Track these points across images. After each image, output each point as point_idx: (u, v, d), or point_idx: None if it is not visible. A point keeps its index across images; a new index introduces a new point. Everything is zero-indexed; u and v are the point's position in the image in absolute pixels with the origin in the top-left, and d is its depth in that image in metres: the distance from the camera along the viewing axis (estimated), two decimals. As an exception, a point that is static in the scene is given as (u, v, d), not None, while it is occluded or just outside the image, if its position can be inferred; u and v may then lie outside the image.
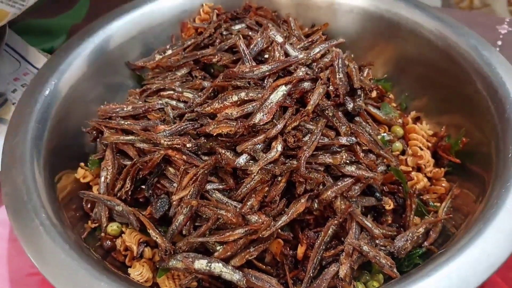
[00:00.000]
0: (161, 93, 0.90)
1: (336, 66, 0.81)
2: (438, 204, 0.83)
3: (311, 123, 0.76)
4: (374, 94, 0.91)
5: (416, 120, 0.96)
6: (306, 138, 0.74)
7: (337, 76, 0.80)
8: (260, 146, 0.73)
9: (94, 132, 0.88)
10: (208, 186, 0.75)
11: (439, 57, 0.94)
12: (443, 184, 0.85)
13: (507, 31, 1.18)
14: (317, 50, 0.85)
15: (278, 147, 0.72)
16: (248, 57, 0.86)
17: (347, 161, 0.75)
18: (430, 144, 0.90)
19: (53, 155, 0.83)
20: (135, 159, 0.79)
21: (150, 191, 0.78)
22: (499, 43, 1.16)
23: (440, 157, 0.88)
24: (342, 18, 1.05)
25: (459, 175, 0.86)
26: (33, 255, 0.67)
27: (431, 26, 0.96)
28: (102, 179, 0.81)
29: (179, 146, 0.75)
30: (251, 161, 0.73)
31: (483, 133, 0.83)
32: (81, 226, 0.82)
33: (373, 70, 0.98)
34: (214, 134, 0.76)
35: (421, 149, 0.88)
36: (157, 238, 0.73)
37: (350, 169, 0.75)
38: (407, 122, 0.92)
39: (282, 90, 0.76)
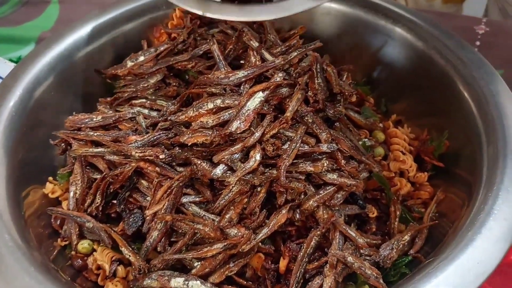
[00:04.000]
0: (133, 101, 0.86)
1: (315, 71, 0.78)
2: (423, 210, 0.81)
3: (290, 130, 0.73)
4: (353, 98, 0.88)
5: (397, 123, 0.94)
6: (286, 146, 0.72)
7: (316, 81, 0.77)
8: (237, 156, 0.70)
9: (63, 144, 0.84)
10: (184, 199, 0.72)
11: (419, 58, 0.92)
12: (427, 189, 0.83)
13: (484, 31, 1.18)
14: (294, 54, 0.82)
15: (256, 156, 0.69)
16: (223, 63, 0.83)
17: (329, 169, 0.72)
18: (412, 148, 0.88)
19: (19, 170, 0.79)
20: (105, 173, 0.75)
21: (122, 206, 0.74)
22: (477, 43, 1.15)
23: (423, 161, 0.86)
24: (319, 20, 1.02)
25: (443, 179, 0.84)
26: (-4, 279, 0.62)
27: (410, 27, 0.94)
28: (71, 194, 0.77)
29: (151, 157, 0.72)
30: (229, 172, 0.70)
31: (466, 135, 0.81)
32: (50, 245, 0.77)
33: (352, 73, 0.95)
34: (189, 144, 0.72)
35: (404, 154, 0.85)
36: (130, 256, 0.69)
37: (332, 176, 0.72)
38: (388, 126, 0.90)
39: (259, 96, 0.73)
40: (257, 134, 0.70)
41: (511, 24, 1.26)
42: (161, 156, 0.71)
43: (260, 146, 0.70)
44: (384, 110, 0.97)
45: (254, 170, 0.69)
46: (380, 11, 0.98)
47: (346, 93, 0.79)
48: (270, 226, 0.69)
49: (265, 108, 0.74)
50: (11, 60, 1.17)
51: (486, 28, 1.18)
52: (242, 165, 0.69)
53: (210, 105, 0.75)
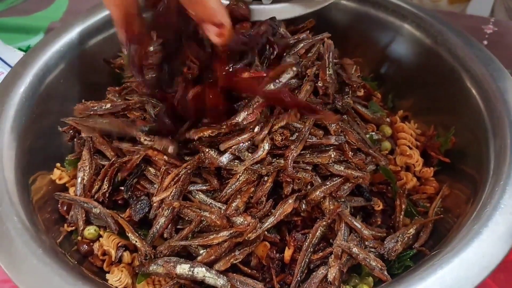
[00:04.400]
0: (142, 91, 0.86)
1: (327, 60, 0.78)
2: (428, 205, 0.81)
3: (299, 121, 0.73)
4: (361, 92, 0.88)
5: (404, 119, 0.94)
6: (294, 137, 0.72)
7: (327, 72, 0.77)
8: (245, 145, 0.70)
9: (71, 131, 0.85)
10: (191, 187, 0.72)
11: (427, 55, 0.92)
12: (433, 184, 0.83)
13: (492, 31, 1.18)
14: (301, 45, 0.81)
15: (265, 145, 0.70)
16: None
17: (336, 160, 0.72)
18: (419, 143, 0.88)
19: (27, 156, 0.79)
20: (113, 159, 0.76)
21: (129, 193, 0.74)
22: (485, 42, 1.15)
23: (429, 156, 0.86)
24: (328, 15, 1.02)
25: (449, 174, 0.84)
26: (3, 261, 0.63)
27: (418, 24, 0.94)
28: (79, 180, 0.77)
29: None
30: (236, 161, 0.70)
31: (472, 132, 0.81)
32: (56, 230, 0.78)
33: (360, 68, 0.95)
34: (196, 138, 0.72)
35: (410, 148, 0.85)
36: (136, 241, 0.69)
37: (339, 168, 0.72)
38: (396, 121, 0.90)
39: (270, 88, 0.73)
40: (265, 132, 0.70)
41: (520, 24, 1.26)
42: (169, 150, 0.72)
43: (268, 136, 0.70)
44: (391, 106, 0.97)
45: (262, 159, 0.69)
46: (389, 7, 0.97)
47: (354, 85, 0.79)
48: (276, 216, 0.69)
49: (274, 99, 0.74)
50: (20, 49, 1.18)
51: (494, 28, 1.18)
52: (250, 154, 0.70)
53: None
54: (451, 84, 0.87)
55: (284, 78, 0.74)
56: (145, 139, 0.73)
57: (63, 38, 0.94)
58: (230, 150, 0.70)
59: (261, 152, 0.69)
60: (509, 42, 1.15)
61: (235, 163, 0.70)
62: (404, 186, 0.81)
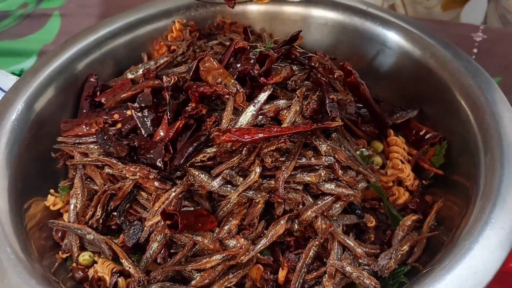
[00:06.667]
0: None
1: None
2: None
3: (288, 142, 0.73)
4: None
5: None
6: (284, 158, 0.72)
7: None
8: (234, 170, 0.71)
9: (64, 156, 0.85)
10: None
11: (416, 68, 0.92)
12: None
13: (482, 39, 1.18)
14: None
15: (256, 169, 0.70)
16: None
17: (326, 179, 0.72)
18: (410, 158, 0.88)
19: (21, 182, 0.80)
20: (106, 186, 0.76)
21: (122, 218, 0.75)
22: (475, 50, 1.16)
23: (421, 169, 0.86)
24: (316, 31, 1.03)
25: (441, 188, 0.84)
26: (-3, 293, 0.63)
27: (407, 36, 0.95)
28: (72, 207, 0.78)
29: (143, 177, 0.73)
30: (228, 185, 0.70)
31: (464, 144, 0.81)
32: (51, 256, 0.78)
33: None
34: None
35: (402, 163, 0.85)
36: (130, 268, 0.69)
37: (330, 187, 0.72)
38: (390, 134, 0.90)
39: (250, 110, 0.73)
40: (252, 157, 0.71)
41: (508, 31, 1.26)
42: (150, 177, 0.72)
43: (259, 159, 0.70)
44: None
45: (255, 182, 0.69)
46: (377, 20, 0.98)
47: (341, 103, 0.79)
48: (269, 237, 0.69)
49: (262, 121, 0.74)
50: (13, 73, 1.18)
51: (483, 35, 1.19)
52: (241, 179, 0.70)
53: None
54: (442, 97, 0.87)
55: (262, 97, 0.74)
56: (128, 174, 0.74)
57: (55, 62, 0.94)
58: (222, 174, 0.70)
59: (253, 176, 0.69)
60: (498, 49, 1.16)
61: (227, 188, 0.70)
62: (396, 202, 0.81)
